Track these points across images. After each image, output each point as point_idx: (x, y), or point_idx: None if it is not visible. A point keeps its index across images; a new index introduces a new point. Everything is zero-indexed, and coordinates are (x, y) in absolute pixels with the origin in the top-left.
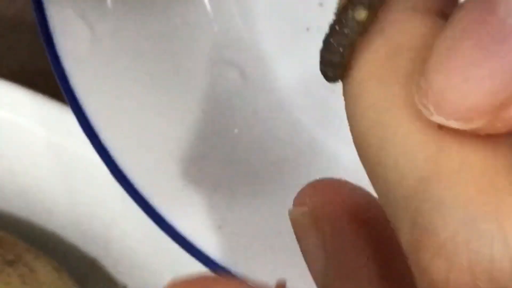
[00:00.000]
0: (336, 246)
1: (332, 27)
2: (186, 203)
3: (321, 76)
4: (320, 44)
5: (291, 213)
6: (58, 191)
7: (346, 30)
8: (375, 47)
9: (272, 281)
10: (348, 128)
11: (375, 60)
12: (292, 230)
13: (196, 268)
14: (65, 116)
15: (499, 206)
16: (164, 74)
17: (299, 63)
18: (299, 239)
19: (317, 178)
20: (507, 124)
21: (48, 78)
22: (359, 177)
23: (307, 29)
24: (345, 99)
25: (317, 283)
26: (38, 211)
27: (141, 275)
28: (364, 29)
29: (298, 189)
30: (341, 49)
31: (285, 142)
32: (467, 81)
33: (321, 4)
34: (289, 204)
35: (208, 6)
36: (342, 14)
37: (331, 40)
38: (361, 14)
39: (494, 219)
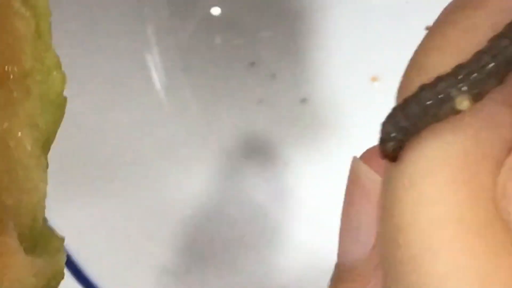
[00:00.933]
0: None
1: (413, 101)
2: None
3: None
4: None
5: (355, 163)
6: None
7: (433, 108)
8: (464, 148)
9: None
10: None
11: (450, 168)
12: None
13: None
14: None
15: None
16: None
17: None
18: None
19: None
20: None
21: None
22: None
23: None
24: (406, 194)
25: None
26: None
27: None
28: (456, 114)
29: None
30: (405, 130)
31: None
32: None
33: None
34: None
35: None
36: (435, 89)
37: (401, 114)
38: (463, 102)
39: None
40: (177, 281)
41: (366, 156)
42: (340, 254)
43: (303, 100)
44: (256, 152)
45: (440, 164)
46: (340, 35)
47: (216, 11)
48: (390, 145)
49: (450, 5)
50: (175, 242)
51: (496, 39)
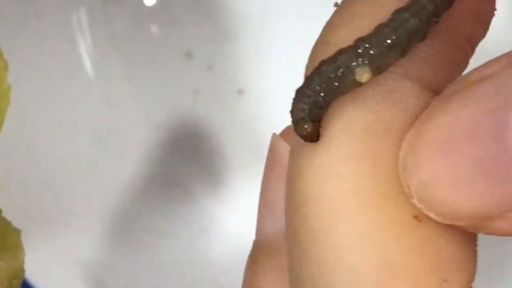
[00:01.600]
0: None
1: (316, 76)
2: None
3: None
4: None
5: None
6: None
7: (337, 80)
8: (356, 123)
9: None
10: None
11: (352, 138)
12: None
13: None
14: None
15: None
16: None
17: None
18: None
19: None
20: (489, 232)
21: None
22: (243, 243)
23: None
24: (295, 200)
25: None
26: None
27: None
28: (357, 87)
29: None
30: (326, 93)
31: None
32: (459, 190)
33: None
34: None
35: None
36: (338, 58)
37: (308, 90)
38: (363, 74)
39: None
40: (109, 273)
41: (286, 133)
42: (257, 230)
43: (240, 92)
44: (192, 143)
45: (341, 137)
46: (276, 27)
47: (150, 1)
48: (304, 127)
49: None
50: (104, 228)
51: (398, 12)
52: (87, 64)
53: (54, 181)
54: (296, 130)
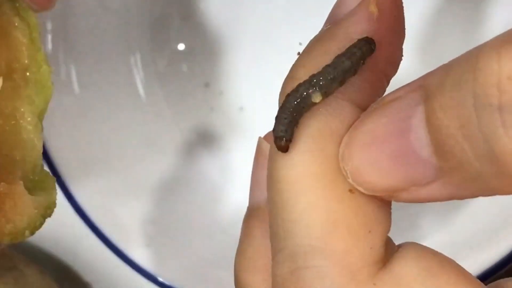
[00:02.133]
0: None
1: (289, 97)
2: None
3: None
4: None
5: None
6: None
7: (301, 103)
8: (311, 129)
9: None
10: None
11: (309, 139)
12: None
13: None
14: None
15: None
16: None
17: None
18: None
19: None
20: (399, 200)
21: None
22: (238, 207)
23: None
24: (272, 179)
25: None
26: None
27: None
28: (313, 106)
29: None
30: (296, 114)
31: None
32: (377, 172)
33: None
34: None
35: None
36: (300, 89)
37: (289, 106)
38: (317, 97)
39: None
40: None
41: (267, 136)
42: (249, 199)
43: (241, 108)
44: (209, 144)
45: (302, 139)
46: (271, 62)
47: (181, 47)
48: (282, 142)
49: (313, 38)
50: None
51: (337, 57)
52: (141, 91)
53: (112, 162)
54: (275, 142)
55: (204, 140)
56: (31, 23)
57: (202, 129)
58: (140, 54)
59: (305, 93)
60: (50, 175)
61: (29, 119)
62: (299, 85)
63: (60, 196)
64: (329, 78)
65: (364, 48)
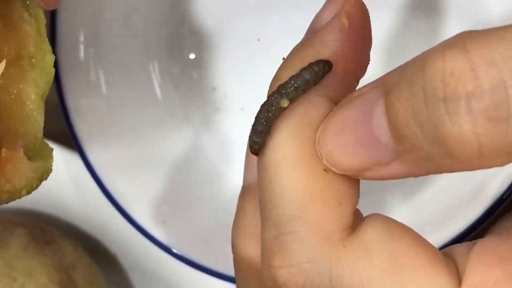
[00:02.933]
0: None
1: (262, 108)
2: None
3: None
4: None
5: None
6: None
7: (272, 112)
8: (292, 120)
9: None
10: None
11: (290, 128)
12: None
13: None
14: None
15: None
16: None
17: None
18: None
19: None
20: (366, 178)
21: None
22: (236, 187)
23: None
24: (261, 161)
25: None
26: (63, 211)
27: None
28: (283, 110)
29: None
30: (269, 121)
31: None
32: (346, 155)
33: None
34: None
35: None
36: (270, 99)
37: (260, 116)
38: (285, 103)
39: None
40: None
41: None
42: (243, 179)
43: (242, 108)
44: (215, 137)
45: (283, 128)
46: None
47: (192, 56)
48: (255, 148)
49: (296, 45)
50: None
51: (300, 70)
52: (158, 92)
53: (134, 152)
54: (250, 148)
55: (210, 133)
56: (38, 18)
57: (209, 125)
58: (158, 63)
59: (275, 101)
60: (49, 146)
61: (33, 98)
62: (270, 95)
63: (91, 181)
64: (292, 88)
65: (321, 66)
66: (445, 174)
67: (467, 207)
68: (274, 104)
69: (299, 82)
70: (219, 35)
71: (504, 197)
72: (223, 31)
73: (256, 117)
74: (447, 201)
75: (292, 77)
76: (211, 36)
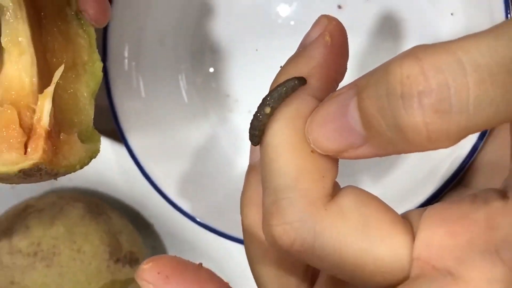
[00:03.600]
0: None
1: (256, 111)
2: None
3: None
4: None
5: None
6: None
7: (261, 116)
8: (287, 114)
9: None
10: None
11: (286, 120)
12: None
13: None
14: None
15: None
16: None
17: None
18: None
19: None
20: (343, 157)
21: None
22: (244, 169)
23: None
24: (263, 145)
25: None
26: (112, 189)
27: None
28: (271, 113)
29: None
30: (260, 122)
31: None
32: (328, 140)
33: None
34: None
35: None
36: (258, 108)
37: (254, 119)
38: (267, 109)
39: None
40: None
41: None
42: (249, 160)
43: (249, 111)
44: (232, 134)
45: (280, 119)
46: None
47: (211, 70)
48: (255, 140)
49: (290, 57)
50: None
51: (279, 85)
52: (184, 98)
53: (166, 143)
54: (250, 139)
55: (224, 130)
56: (90, 33)
57: (223, 123)
58: (185, 74)
59: (261, 109)
60: (97, 133)
61: (85, 95)
62: (259, 106)
63: (133, 166)
64: (272, 99)
65: (296, 81)
66: (405, 160)
67: (424, 186)
68: (260, 111)
69: (274, 95)
70: (231, 54)
71: (452, 177)
72: (235, 51)
73: (251, 122)
74: (407, 182)
75: (271, 91)
76: (225, 54)
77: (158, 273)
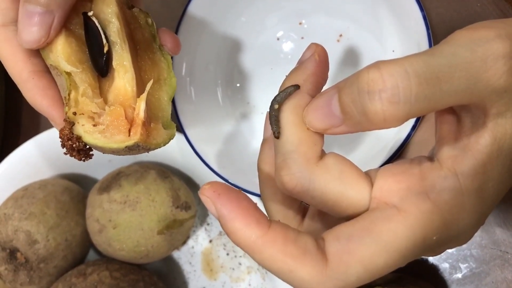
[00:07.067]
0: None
1: (272, 112)
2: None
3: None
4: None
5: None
6: (182, 162)
7: (273, 111)
8: (292, 105)
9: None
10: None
11: (291, 109)
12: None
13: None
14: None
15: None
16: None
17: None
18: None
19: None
20: (328, 133)
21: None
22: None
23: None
24: (279, 128)
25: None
26: (175, 163)
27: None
28: (279, 108)
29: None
30: (275, 113)
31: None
32: (318, 121)
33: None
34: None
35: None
36: (270, 104)
37: (270, 111)
38: (276, 106)
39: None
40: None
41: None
42: (264, 135)
43: (262, 113)
44: (248, 130)
45: (286, 110)
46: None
47: (237, 84)
48: (275, 134)
49: (292, 69)
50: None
51: (285, 88)
52: (220, 102)
53: (209, 130)
54: (274, 135)
55: (245, 124)
56: (168, 59)
57: (245, 120)
58: (220, 87)
59: (273, 105)
60: (173, 123)
61: (165, 99)
62: (272, 102)
63: (189, 148)
64: (279, 98)
65: (293, 87)
66: (366, 139)
67: (379, 156)
68: (273, 107)
69: (279, 97)
70: (251, 75)
71: (397, 150)
72: (253, 72)
73: (269, 116)
74: (367, 154)
75: (278, 93)
76: (247, 75)
77: (214, 191)
